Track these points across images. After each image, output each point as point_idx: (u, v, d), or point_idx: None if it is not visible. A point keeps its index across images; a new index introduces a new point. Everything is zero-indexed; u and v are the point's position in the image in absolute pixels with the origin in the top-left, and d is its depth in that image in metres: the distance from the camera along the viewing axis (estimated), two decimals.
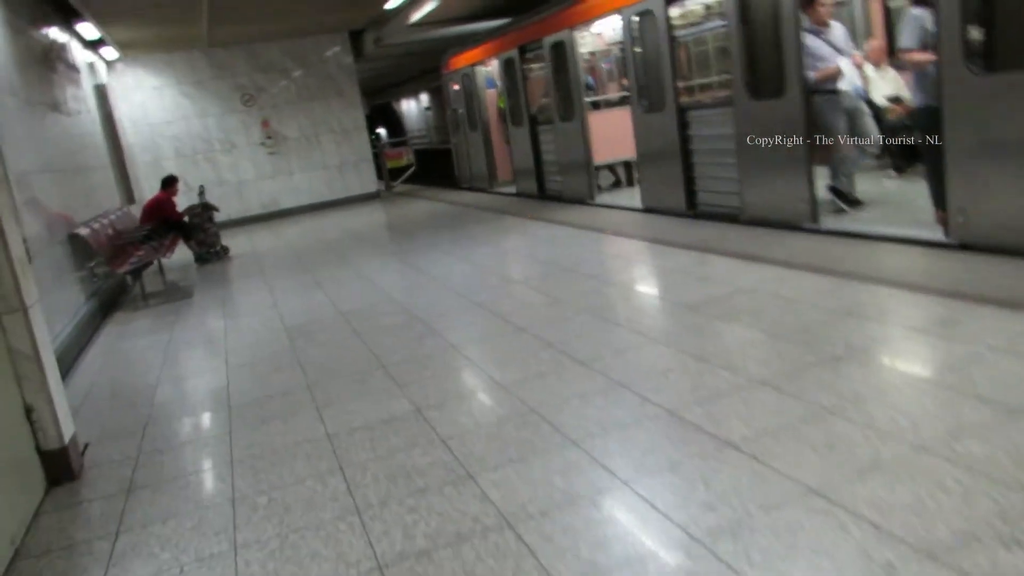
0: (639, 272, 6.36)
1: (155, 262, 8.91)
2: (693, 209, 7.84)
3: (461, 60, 13.85)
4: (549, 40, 9.90)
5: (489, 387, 4.10)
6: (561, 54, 9.93)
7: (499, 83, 12.61)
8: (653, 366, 3.97)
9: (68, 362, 5.98)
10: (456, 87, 14.52)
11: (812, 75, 6.15)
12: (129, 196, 12.66)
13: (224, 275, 9.55)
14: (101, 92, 12.33)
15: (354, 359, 4.94)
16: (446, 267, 7.48)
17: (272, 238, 12.44)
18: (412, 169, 17.10)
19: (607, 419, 3.39)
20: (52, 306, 6.23)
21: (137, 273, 8.36)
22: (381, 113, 40.75)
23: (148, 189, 13.49)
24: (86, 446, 4.08)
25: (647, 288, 5.84)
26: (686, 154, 7.75)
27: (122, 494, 3.49)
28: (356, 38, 16.23)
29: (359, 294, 6.91)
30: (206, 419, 4.40)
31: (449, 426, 3.63)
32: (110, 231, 8.73)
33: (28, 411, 3.59)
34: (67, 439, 3.72)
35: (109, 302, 8.37)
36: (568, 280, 6.17)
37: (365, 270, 8.10)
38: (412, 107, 46.59)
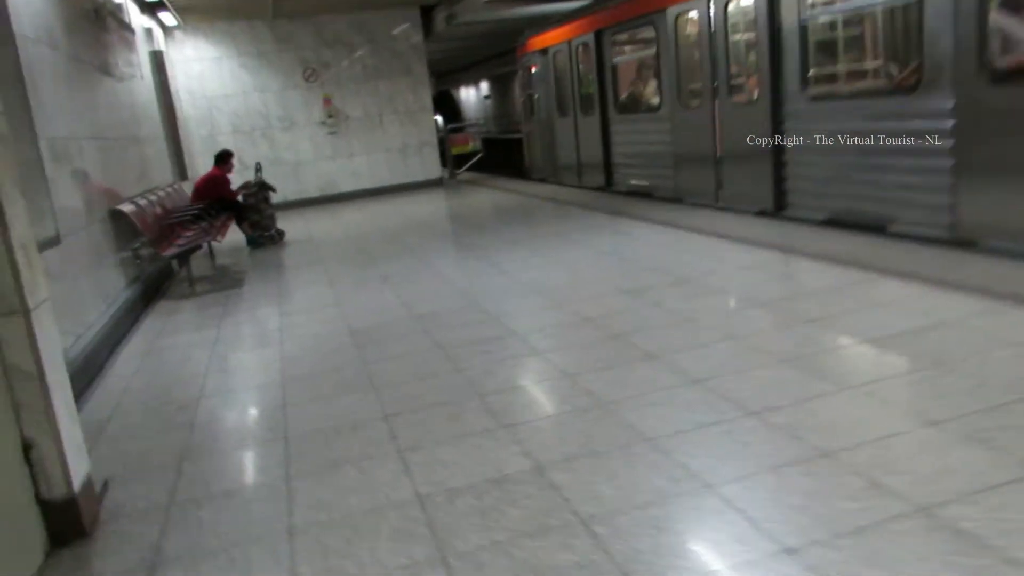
0: (789, 290, 5.24)
1: (204, 246, 8.02)
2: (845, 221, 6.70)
3: (545, 40, 12.79)
4: (674, 11, 8.71)
5: (631, 440, 3.06)
6: (689, 27, 8.82)
7: (581, 65, 11.50)
8: (869, 425, 2.89)
9: (100, 361, 5.12)
10: (535, 69, 13.45)
11: None
12: (182, 172, 11.93)
13: (279, 262, 8.68)
14: (157, 59, 11.59)
15: (440, 382, 3.96)
16: (536, 269, 6.45)
17: (330, 223, 11.58)
18: (478, 156, 16.11)
19: (826, 513, 2.33)
20: (85, 293, 5.39)
21: (184, 257, 7.51)
22: (439, 100, 39.73)
23: (203, 165, 12.76)
24: (105, 485, 3.17)
25: (806, 308, 4.74)
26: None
27: (143, 571, 2.55)
28: (427, 15, 15.29)
29: (435, 295, 5.94)
30: (258, 456, 3.45)
31: (589, 500, 2.61)
32: (158, 209, 7.91)
33: (26, 449, 2.67)
34: (78, 485, 2.80)
35: (153, 288, 7.55)
36: (695, 295, 5.09)
37: (439, 266, 7.13)
38: (471, 95, 45.73)
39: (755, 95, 7.48)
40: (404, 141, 14.97)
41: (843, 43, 7.08)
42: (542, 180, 13.73)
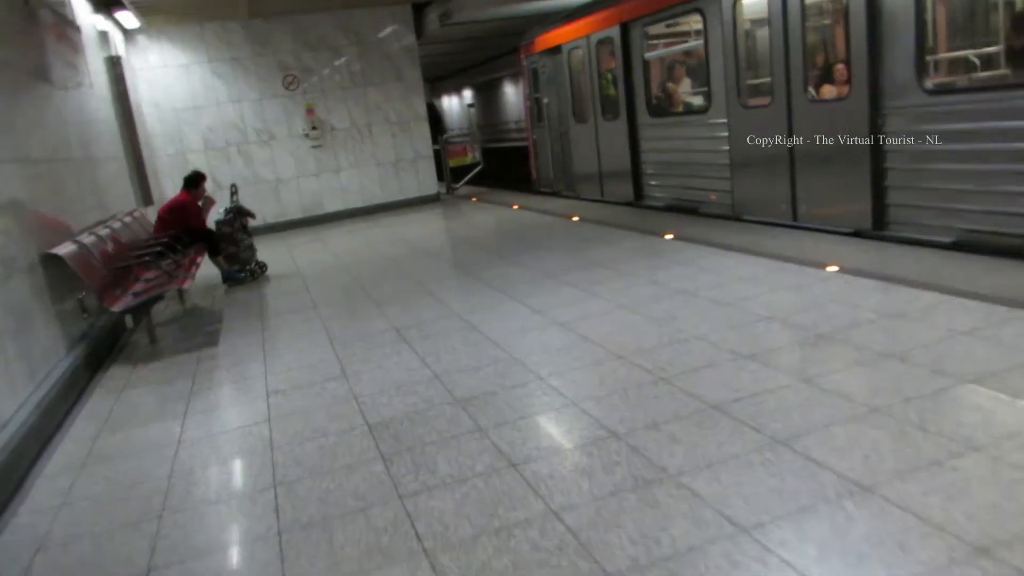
0: (1009, 357, 3.81)
1: (167, 294, 6.49)
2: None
3: (557, 36, 11.39)
4: None
5: None
6: (750, 11, 7.49)
7: (603, 64, 10.10)
8: None
9: (12, 482, 3.60)
10: (544, 71, 12.02)
11: None
12: (146, 196, 10.39)
13: (261, 306, 7.17)
14: (115, 66, 10.05)
15: (530, 533, 2.49)
16: (596, 318, 5.00)
17: (318, 250, 10.07)
18: (478, 168, 14.65)
19: None
20: (6, 369, 3.89)
21: (140, 311, 5.97)
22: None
23: (172, 188, 11.20)
24: None
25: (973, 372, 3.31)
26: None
27: None
28: (418, 14, 13.84)
29: (474, 360, 4.47)
30: None
31: None
32: (109, 246, 6.37)
33: None
34: None
35: (105, 346, 6.01)
36: (856, 364, 3.66)
37: (462, 311, 5.66)
38: (454, 104, 44.35)
39: (846, 89, 6.12)
40: (397, 154, 13.50)
41: (976, 18, 5.73)
42: (553, 194, 12.36)
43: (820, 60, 6.76)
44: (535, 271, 6.68)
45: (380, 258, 8.66)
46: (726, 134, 7.59)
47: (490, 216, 11.03)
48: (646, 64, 9.09)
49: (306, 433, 3.73)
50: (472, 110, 42.04)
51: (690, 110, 8.52)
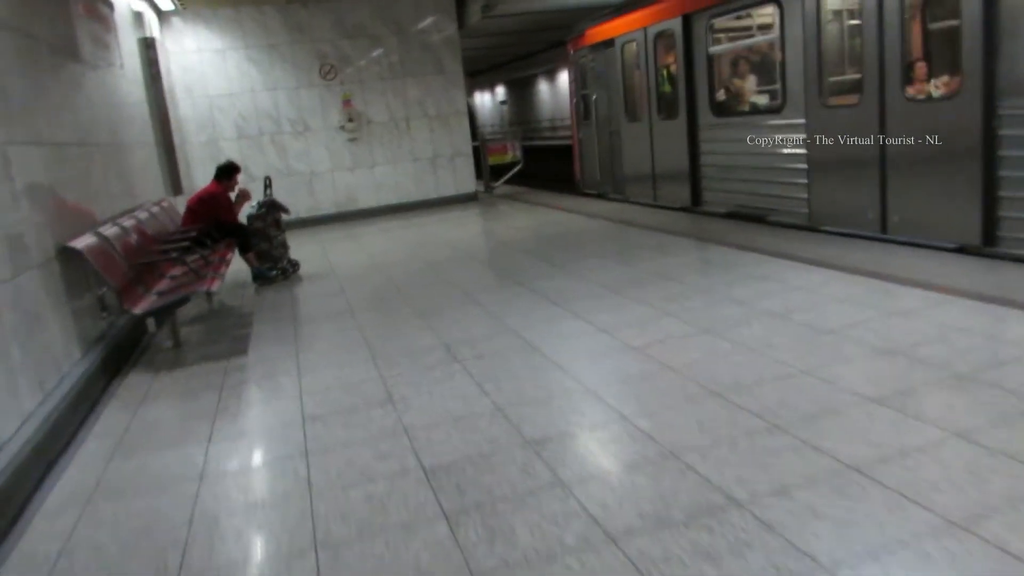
0: None
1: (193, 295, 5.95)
2: None
3: (610, 29, 10.70)
4: None
5: None
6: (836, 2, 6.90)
7: (661, 58, 9.46)
8: None
9: (18, 503, 3.07)
10: (594, 65, 11.34)
11: None
12: (176, 185, 9.92)
13: (294, 310, 6.63)
14: (148, 48, 9.59)
15: None
16: (678, 341, 4.40)
17: (353, 249, 9.53)
18: (518, 168, 14.06)
19: None
20: (10, 378, 3.37)
21: (164, 314, 5.45)
22: None
23: (202, 177, 10.77)
24: None
25: None
26: None
27: None
28: (459, 5, 13.28)
29: (538, 387, 3.89)
30: None
31: None
32: (134, 237, 5.87)
33: None
34: None
35: (126, 348, 5.50)
36: (981, 399, 3.04)
37: (516, 325, 5.08)
38: (486, 100, 43.88)
39: (952, 86, 5.46)
40: (435, 150, 12.95)
41: None
42: (599, 196, 11.73)
43: (920, 54, 6.07)
44: (591, 282, 6.07)
45: (419, 261, 8.09)
46: (803, 135, 6.93)
47: (532, 218, 10.43)
48: (710, 59, 8.44)
49: (350, 476, 3.15)
50: (504, 107, 41.51)
51: (760, 109, 7.86)
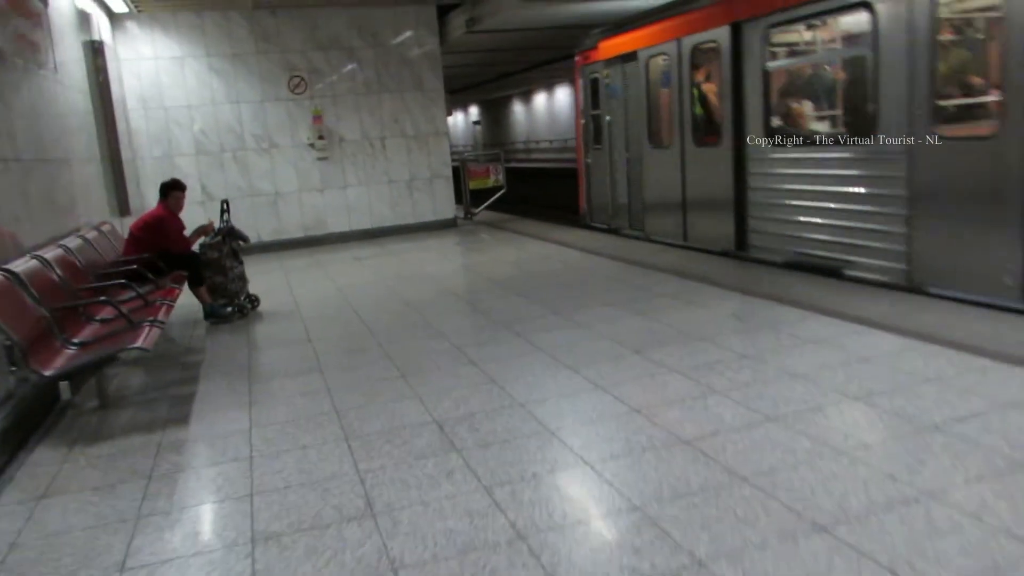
0: None
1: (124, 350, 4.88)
2: None
3: (630, 41, 9.31)
4: None
5: None
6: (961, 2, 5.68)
7: (676, 78, 8.38)
8: None
9: None
10: (607, 82, 10.07)
11: None
12: (123, 206, 8.86)
13: (250, 360, 5.61)
14: (95, 52, 8.55)
15: None
16: (725, 427, 3.52)
17: (321, 280, 8.52)
18: (501, 193, 13.16)
19: None
20: None
21: (81, 376, 4.40)
22: None
23: (155, 196, 9.68)
24: None
25: None
26: None
27: None
28: (442, 19, 12.43)
29: (568, 499, 2.98)
30: None
31: None
32: (55, 273, 4.82)
33: None
34: None
35: (35, 413, 4.43)
36: None
37: (524, 397, 4.15)
38: (459, 120, 43.18)
39: None
40: (412, 171, 12.02)
41: None
42: (611, 231, 10.37)
43: None
44: (606, 337, 5.16)
45: (397, 299, 7.12)
46: (902, 172, 5.67)
47: (520, 251, 9.51)
48: (766, 76, 7.07)
49: None
50: (478, 127, 40.81)
51: (837, 136, 6.55)
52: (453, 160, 12.80)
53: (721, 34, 7.51)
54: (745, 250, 7.60)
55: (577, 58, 10.90)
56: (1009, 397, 3.57)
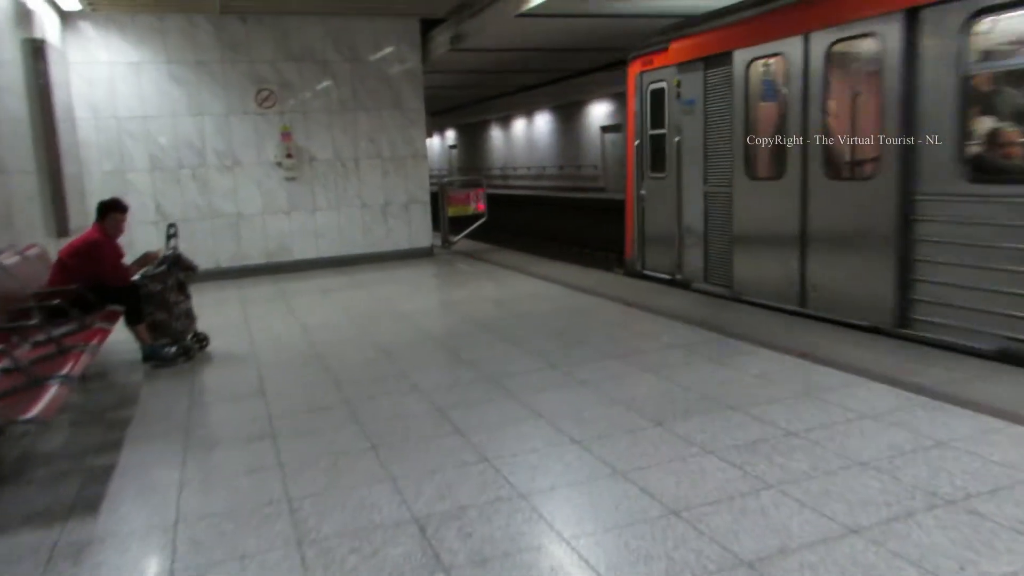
0: None
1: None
2: None
3: (716, 42, 7.34)
4: None
5: None
6: None
7: (800, 88, 6.27)
8: None
9: None
10: (679, 94, 7.92)
11: None
12: (62, 224, 7.93)
13: (189, 420, 4.69)
14: (36, 53, 7.64)
15: None
16: (802, 547, 2.71)
17: (283, 316, 7.61)
18: (482, 221, 12.34)
19: None
20: None
21: None
22: None
23: None
24: None
25: None
26: None
27: None
28: (425, 34, 11.68)
29: None
30: None
31: None
32: None
33: None
34: None
35: None
36: None
37: (527, 486, 3.34)
38: (434, 144, 42.50)
39: None
40: (387, 196, 11.18)
41: None
42: (674, 283, 8.16)
43: None
44: (621, 403, 4.34)
45: (368, 343, 6.25)
46: None
47: (504, 287, 8.69)
48: (965, 84, 5.00)
49: None
50: (454, 151, 40.13)
51: None
52: (431, 185, 12.01)
53: (888, 26, 5.43)
54: (909, 326, 5.47)
55: (632, 64, 8.74)
56: None
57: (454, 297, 8.57)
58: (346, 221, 10.99)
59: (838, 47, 5.95)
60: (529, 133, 29.65)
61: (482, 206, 12.24)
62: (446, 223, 12.11)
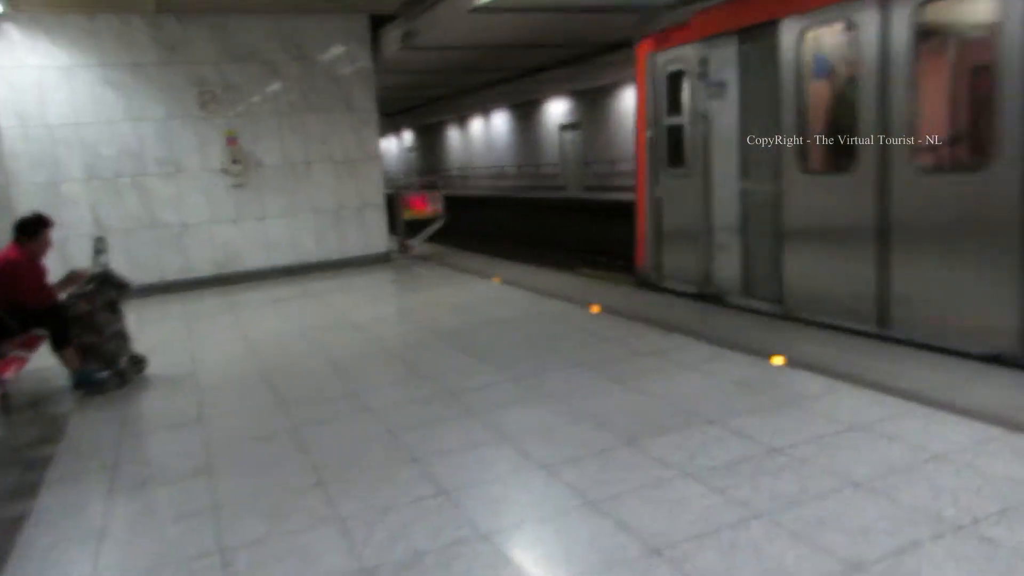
0: None
1: None
2: None
3: (753, 11, 6.22)
4: None
5: None
6: None
7: (877, 59, 5.11)
8: None
9: None
10: (703, 72, 6.75)
11: None
12: None
13: (119, 453, 4.27)
14: None
15: None
16: None
17: (229, 331, 7.17)
18: (440, 224, 11.94)
19: None
20: None
21: None
22: None
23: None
24: None
25: None
26: None
27: None
28: (376, 31, 11.28)
29: None
30: None
31: None
32: None
33: None
34: None
35: None
36: None
37: (489, 526, 2.97)
38: (391, 147, 41.92)
39: None
40: (340, 200, 10.77)
41: None
42: (703, 297, 6.97)
43: None
44: (590, 420, 4.02)
45: (320, 358, 5.85)
46: None
47: (464, 292, 8.34)
48: None
49: None
50: (413, 155, 39.60)
51: None
52: (387, 188, 11.59)
53: None
54: None
55: (640, 45, 7.59)
56: None
57: (412, 304, 8.19)
58: (298, 228, 10.53)
59: (931, 9, 4.80)
60: (488, 133, 29.34)
61: (440, 209, 11.87)
62: (403, 228, 11.71)
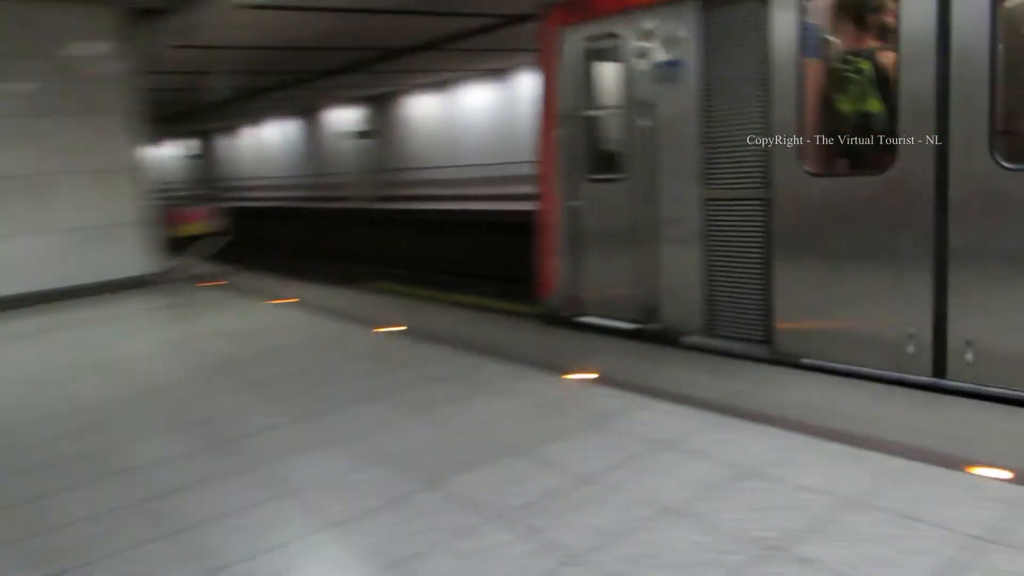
0: None
1: None
2: None
3: None
4: None
5: None
6: None
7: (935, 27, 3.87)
8: None
9: None
10: (641, 48, 5.35)
11: None
12: None
13: None
14: None
15: None
16: None
17: None
18: (226, 239, 10.88)
19: None
20: None
21: None
22: None
23: None
24: None
25: None
26: None
27: None
28: (139, 27, 10.08)
29: None
30: None
31: None
32: None
33: None
34: None
35: None
36: None
37: None
38: (165, 155, 38.65)
39: None
40: (92, 217, 9.49)
41: None
42: (648, 337, 5.50)
43: None
44: (388, 463, 3.62)
45: (68, 407, 4.95)
46: None
47: (246, 317, 7.58)
48: None
49: None
50: (196, 162, 36.68)
51: None
52: (158, 201, 10.40)
53: None
54: None
55: (549, 17, 6.09)
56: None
57: (183, 334, 7.28)
58: (36, 250, 9.06)
59: None
60: (277, 141, 27.97)
61: (222, 224, 10.86)
62: (175, 246, 10.57)
